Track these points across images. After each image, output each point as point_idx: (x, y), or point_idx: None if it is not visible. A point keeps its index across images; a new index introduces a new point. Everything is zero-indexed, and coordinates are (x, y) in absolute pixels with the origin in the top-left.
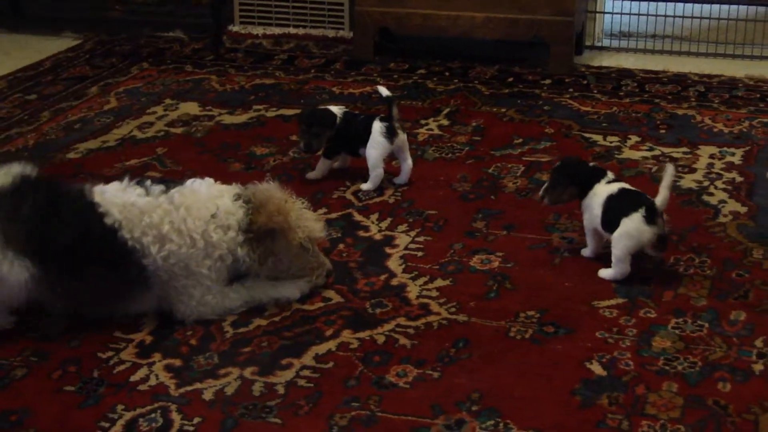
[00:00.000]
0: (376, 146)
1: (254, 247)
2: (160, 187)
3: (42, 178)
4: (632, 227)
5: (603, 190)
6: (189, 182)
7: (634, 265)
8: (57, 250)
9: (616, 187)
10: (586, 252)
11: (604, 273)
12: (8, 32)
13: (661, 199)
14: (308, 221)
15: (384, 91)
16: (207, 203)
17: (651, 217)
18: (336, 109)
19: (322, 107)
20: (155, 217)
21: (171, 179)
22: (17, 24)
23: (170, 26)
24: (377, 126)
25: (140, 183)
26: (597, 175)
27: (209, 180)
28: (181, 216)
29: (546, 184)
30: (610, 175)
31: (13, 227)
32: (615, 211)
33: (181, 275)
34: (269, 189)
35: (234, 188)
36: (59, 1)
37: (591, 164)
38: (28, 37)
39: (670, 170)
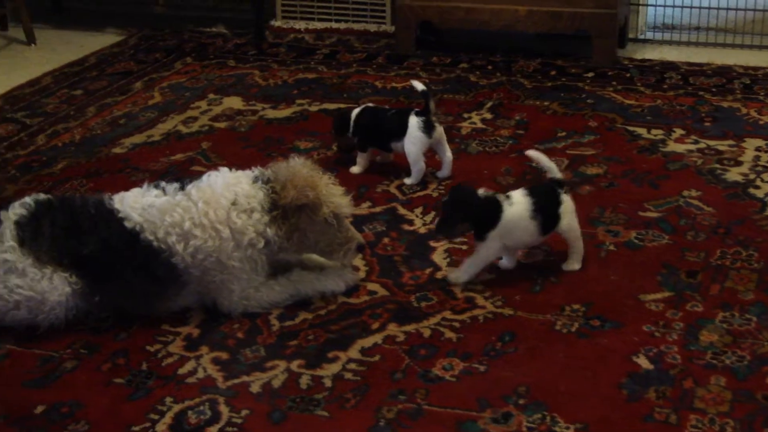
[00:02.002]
0: (414, 141)
1: (281, 224)
2: (175, 186)
3: (56, 198)
4: (571, 207)
5: (519, 210)
6: (205, 176)
7: (681, 258)
8: (86, 260)
9: (522, 196)
10: (506, 263)
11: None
12: (52, 28)
13: (555, 171)
14: (335, 197)
15: (419, 86)
16: (225, 192)
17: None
18: (358, 109)
19: (342, 111)
20: (176, 216)
21: (186, 177)
22: (60, 20)
23: (213, 21)
24: (414, 121)
25: (156, 185)
26: (493, 205)
27: (224, 170)
28: (201, 210)
29: (439, 218)
30: (501, 196)
31: (41, 247)
32: (551, 212)
33: (215, 270)
34: (294, 165)
35: (252, 172)
36: None
37: (481, 193)
38: (71, 33)
39: (535, 155)
